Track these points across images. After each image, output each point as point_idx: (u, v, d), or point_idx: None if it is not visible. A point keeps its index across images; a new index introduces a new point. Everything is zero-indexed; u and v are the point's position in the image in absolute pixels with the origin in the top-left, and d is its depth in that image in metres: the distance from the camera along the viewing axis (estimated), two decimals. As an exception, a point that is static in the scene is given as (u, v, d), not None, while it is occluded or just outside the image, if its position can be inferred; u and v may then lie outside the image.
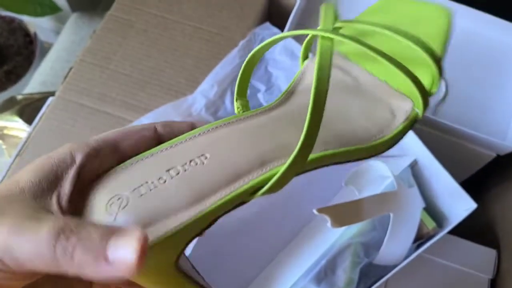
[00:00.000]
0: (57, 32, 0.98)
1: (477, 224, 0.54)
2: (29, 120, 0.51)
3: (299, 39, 0.53)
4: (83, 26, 0.73)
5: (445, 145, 0.50)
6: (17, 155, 0.43)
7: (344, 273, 0.40)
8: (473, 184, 0.54)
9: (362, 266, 0.42)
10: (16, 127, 0.51)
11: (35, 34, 0.93)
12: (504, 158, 0.51)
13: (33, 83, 0.66)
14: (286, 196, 0.46)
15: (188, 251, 0.40)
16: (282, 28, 0.51)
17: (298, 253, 0.44)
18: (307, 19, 0.56)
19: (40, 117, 0.46)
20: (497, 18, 0.54)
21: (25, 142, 0.44)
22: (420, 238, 0.46)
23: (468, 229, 0.50)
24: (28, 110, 0.52)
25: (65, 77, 0.48)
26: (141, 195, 0.17)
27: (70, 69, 0.49)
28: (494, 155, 0.50)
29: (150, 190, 0.17)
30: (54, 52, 0.70)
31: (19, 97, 0.57)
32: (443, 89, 0.53)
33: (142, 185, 0.17)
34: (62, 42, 0.71)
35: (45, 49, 0.92)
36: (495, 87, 0.53)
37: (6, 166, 0.43)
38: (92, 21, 0.74)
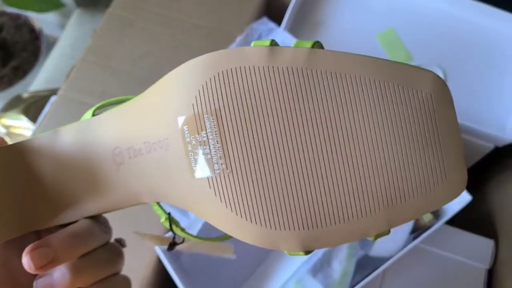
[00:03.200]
0: (62, 27, 0.99)
1: (476, 215, 0.54)
2: (34, 118, 0.53)
3: (296, 33, 0.53)
4: (86, 23, 0.74)
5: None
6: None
7: (340, 265, 0.41)
8: (472, 175, 0.54)
9: (358, 258, 0.43)
10: (22, 125, 0.53)
11: (40, 30, 0.94)
12: (502, 150, 0.51)
13: (38, 80, 0.67)
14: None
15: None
16: (279, 23, 0.52)
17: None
18: (305, 13, 0.56)
19: (44, 116, 0.47)
20: (496, 9, 0.54)
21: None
22: (417, 230, 0.46)
23: (467, 220, 0.51)
24: (33, 108, 0.54)
25: (68, 76, 0.49)
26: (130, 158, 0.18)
27: (72, 68, 0.50)
28: (492, 146, 0.51)
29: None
30: (58, 48, 0.71)
31: (25, 95, 0.58)
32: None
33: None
34: (66, 39, 0.72)
35: (51, 44, 0.93)
36: (493, 78, 0.53)
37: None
38: (94, 18, 0.75)
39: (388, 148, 0.15)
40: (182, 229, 0.20)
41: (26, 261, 0.17)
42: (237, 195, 0.16)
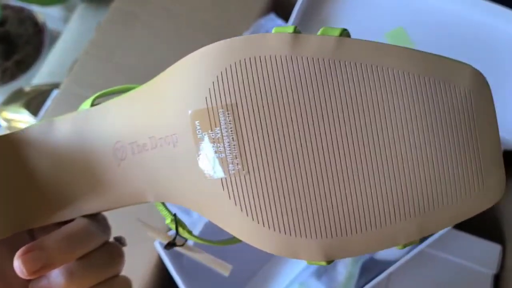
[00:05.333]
0: (66, 21, 0.98)
1: (483, 219, 0.53)
2: (35, 112, 0.52)
3: (303, 31, 0.52)
4: (89, 17, 0.73)
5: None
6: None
7: (345, 268, 0.41)
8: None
9: (363, 261, 0.42)
10: (23, 119, 0.52)
11: (44, 24, 0.93)
12: (511, 153, 0.50)
13: (41, 74, 0.66)
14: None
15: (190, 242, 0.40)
16: (287, 19, 0.51)
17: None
18: (312, 10, 0.55)
19: (46, 110, 0.47)
20: (509, 10, 0.53)
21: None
22: (423, 233, 0.46)
23: (473, 224, 0.50)
24: (35, 102, 0.53)
25: (70, 70, 0.49)
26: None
27: (75, 61, 0.49)
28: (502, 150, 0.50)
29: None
30: (61, 42, 0.70)
31: (27, 89, 0.58)
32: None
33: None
34: (70, 33, 0.71)
35: (54, 38, 0.92)
36: (504, 80, 0.52)
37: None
38: (98, 12, 0.74)
39: (421, 148, 0.14)
40: (189, 232, 0.19)
41: (17, 265, 0.16)
42: (253, 199, 0.14)
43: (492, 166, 0.14)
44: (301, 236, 0.14)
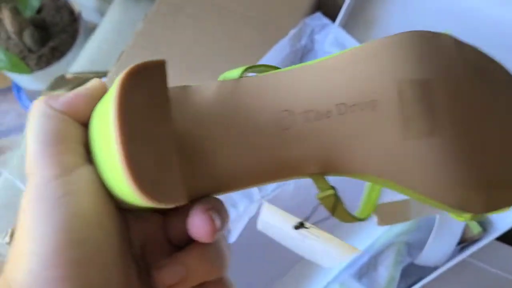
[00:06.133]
0: (101, 12, 1.00)
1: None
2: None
3: (349, 31, 0.52)
4: (131, 7, 0.74)
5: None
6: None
7: (386, 271, 0.40)
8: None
9: (404, 265, 0.42)
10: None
11: (79, 13, 0.94)
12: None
13: (80, 61, 0.67)
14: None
15: (233, 238, 0.40)
16: (334, 18, 0.51)
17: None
18: (360, 10, 0.55)
19: (93, 97, 0.47)
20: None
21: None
22: (464, 242, 0.45)
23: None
24: (79, 89, 0.54)
25: (118, 60, 0.49)
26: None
27: (122, 52, 0.50)
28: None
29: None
30: (101, 31, 0.71)
31: (69, 75, 0.59)
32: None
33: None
34: (109, 22, 0.72)
35: (88, 29, 0.94)
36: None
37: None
38: (139, 2, 0.75)
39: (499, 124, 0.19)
40: (344, 207, 0.18)
41: (212, 224, 0.16)
42: (442, 159, 0.17)
43: None
44: (475, 192, 0.17)
